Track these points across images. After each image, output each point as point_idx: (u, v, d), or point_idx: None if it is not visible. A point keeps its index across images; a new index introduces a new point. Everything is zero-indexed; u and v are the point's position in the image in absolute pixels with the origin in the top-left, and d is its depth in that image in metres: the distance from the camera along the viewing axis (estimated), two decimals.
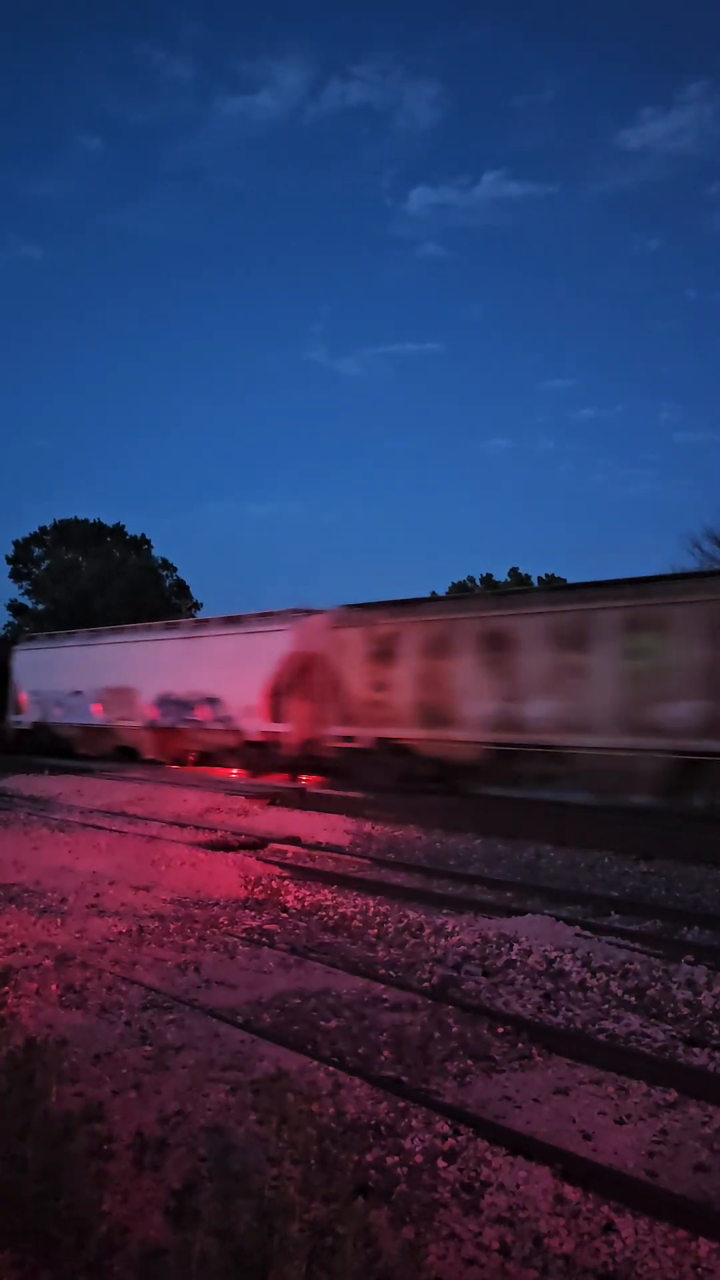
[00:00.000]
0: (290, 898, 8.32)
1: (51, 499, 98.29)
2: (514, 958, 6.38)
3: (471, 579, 43.86)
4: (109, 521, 49.43)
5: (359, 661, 17.65)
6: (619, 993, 5.73)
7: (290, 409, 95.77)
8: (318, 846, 11.60)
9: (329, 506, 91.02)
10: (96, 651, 25.79)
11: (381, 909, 7.85)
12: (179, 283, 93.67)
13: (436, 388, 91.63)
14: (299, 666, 18.80)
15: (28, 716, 27.70)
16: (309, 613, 19.59)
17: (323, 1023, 5.04)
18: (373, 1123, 3.80)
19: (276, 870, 9.75)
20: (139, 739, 23.88)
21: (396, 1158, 3.51)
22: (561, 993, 5.74)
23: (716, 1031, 5.16)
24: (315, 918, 7.63)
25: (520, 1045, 4.80)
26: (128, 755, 24.05)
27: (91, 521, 49.06)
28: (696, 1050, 4.83)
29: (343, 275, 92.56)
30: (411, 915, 7.59)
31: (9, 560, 48.78)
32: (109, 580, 44.57)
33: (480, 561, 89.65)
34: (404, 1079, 4.31)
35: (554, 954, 6.37)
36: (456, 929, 7.11)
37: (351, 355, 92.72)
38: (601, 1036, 5.02)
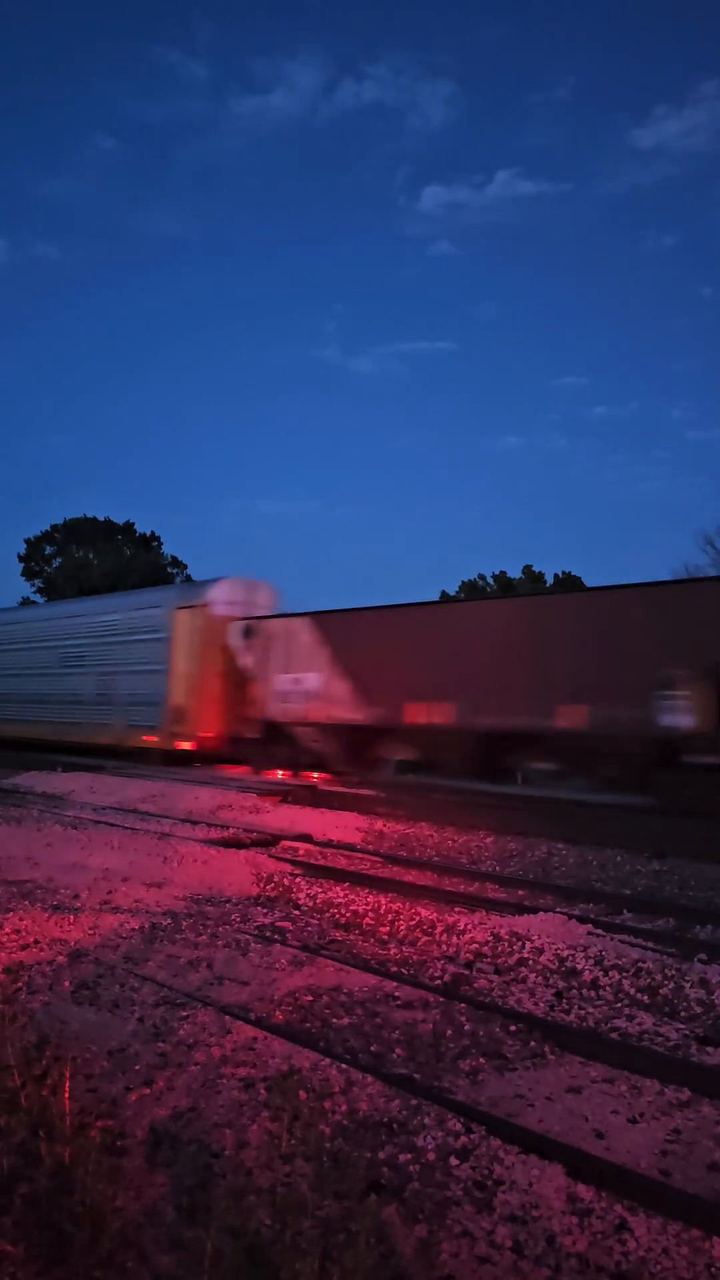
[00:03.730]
0: (302, 895, 8.32)
1: (63, 497, 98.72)
2: (526, 956, 6.37)
3: (483, 576, 43.81)
4: (119, 519, 49.63)
5: None
6: (632, 991, 5.72)
7: (302, 407, 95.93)
8: (329, 844, 11.60)
9: (340, 504, 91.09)
10: None
11: (393, 906, 7.84)
12: (192, 281, 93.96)
13: (448, 386, 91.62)
14: None
15: None
16: None
17: (335, 1020, 5.04)
18: (385, 1120, 3.79)
19: (288, 867, 9.76)
20: None
21: (409, 1155, 3.51)
22: (574, 991, 5.73)
23: None
24: (327, 915, 7.63)
25: (533, 1043, 4.79)
26: None
27: (102, 519, 49.25)
28: (710, 1049, 4.81)
29: (356, 274, 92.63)
30: (423, 913, 7.58)
31: (21, 558, 49.06)
32: (120, 578, 44.71)
33: (491, 560, 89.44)
34: (416, 1076, 4.30)
35: (566, 952, 6.35)
36: (468, 927, 7.10)
37: (364, 353, 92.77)
38: (614, 1035, 5.00)
